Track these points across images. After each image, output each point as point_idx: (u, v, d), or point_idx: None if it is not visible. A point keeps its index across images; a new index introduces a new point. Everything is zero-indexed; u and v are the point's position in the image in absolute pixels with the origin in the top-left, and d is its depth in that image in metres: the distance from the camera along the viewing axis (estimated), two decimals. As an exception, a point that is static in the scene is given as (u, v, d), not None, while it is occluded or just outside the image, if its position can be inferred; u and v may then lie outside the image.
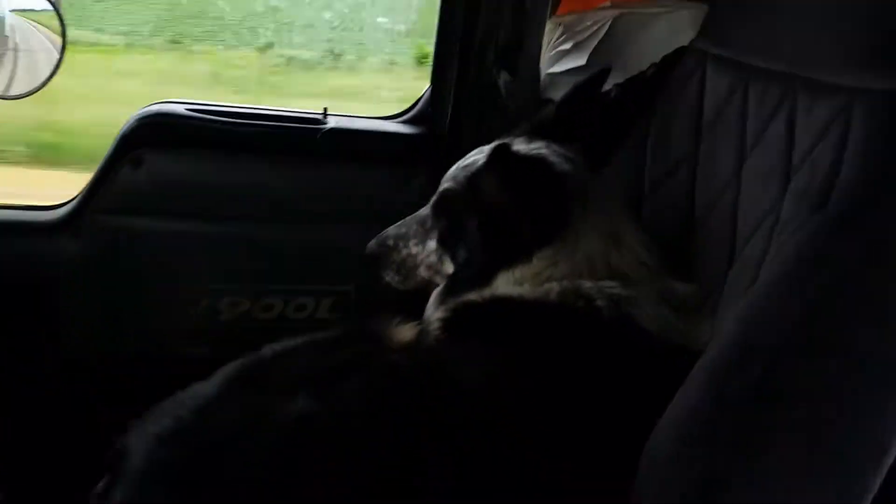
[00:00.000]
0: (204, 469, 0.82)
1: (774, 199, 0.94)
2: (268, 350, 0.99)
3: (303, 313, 1.71)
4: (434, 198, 1.16)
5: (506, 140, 1.14)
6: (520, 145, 1.12)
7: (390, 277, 1.18)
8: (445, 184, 1.14)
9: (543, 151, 1.08)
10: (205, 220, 1.64)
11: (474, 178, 1.09)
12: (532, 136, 1.13)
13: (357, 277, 1.66)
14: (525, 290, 1.00)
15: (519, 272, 1.02)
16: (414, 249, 1.16)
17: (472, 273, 1.07)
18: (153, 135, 1.60)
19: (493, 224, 1.04)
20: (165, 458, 0.85)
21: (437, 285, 1.16)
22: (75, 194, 1.65)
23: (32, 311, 1.61)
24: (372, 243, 1.19)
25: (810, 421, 0.73)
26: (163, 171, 1.60)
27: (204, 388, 0.97)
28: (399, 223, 1.19)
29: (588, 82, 1.19)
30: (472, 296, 1.04)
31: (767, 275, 0.80)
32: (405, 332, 1.00)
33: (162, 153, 1.59)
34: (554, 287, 0.99)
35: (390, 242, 1.17)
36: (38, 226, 1.61)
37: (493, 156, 1.06)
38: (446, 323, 1.00)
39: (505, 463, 0.82)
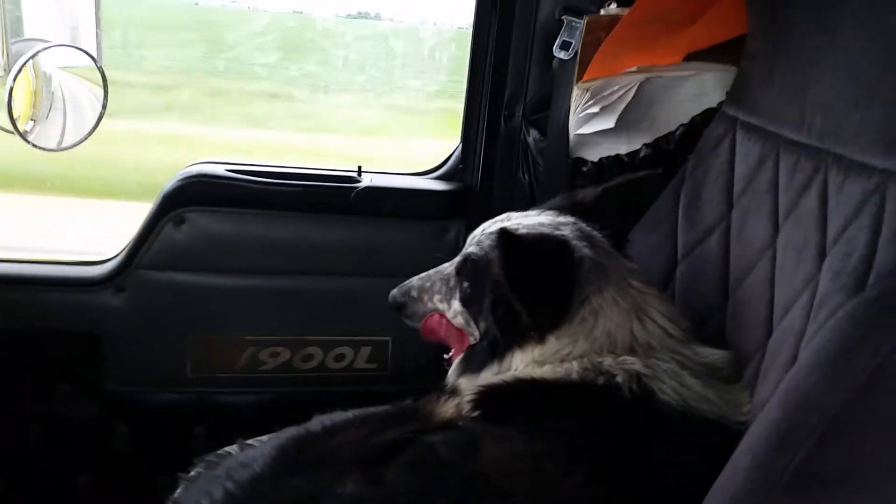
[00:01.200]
0: None
1: (810, 273, 0.96)
2: (318, 423, 1.01)
3: (342, 363, 1.77)
4: (458, 259, 1.15)
5: (531, 214, 1.12)
6: (545, 218, 1.10)
7: (414, 325, 1.18)
8: (470, 247, 1.13)
9: (566, 232, 1.06)
10: (245, 275, 1.71)
11: (491, 251, 1.06)
12: (567, 210, 1.13)
13: (394, 328, 1.70)
14: (546, 371, 0.99)
15: (537, 352, 1.01)
16: (440, 305, 1.16)
17: (489, 346, 1.07)
18: (194, 194, 1.67)
19: (502, 305, 1.04)
20: None
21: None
22: (119, 250, 1.72)
23: (78, 357, 1.68)
24: (395, 292, 1.20)
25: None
26: (204, 229, 1.67)
27: (255, 458, 0.99)
28: (423, 275, 1.19)
29: (639, 180, 1.20)
30: (495, 379, 1.03)
31: (809, 356, 0.82)
32: (446, 408, 1.01)
33: (203, 212, 1.67)
34: (574, 366, 0.98)
35: (414, 294, 1.18)
36: (85, 280, 1.68)
37: (498, 240, 1.04)
38: (476, 405, 1.00)
39: None
